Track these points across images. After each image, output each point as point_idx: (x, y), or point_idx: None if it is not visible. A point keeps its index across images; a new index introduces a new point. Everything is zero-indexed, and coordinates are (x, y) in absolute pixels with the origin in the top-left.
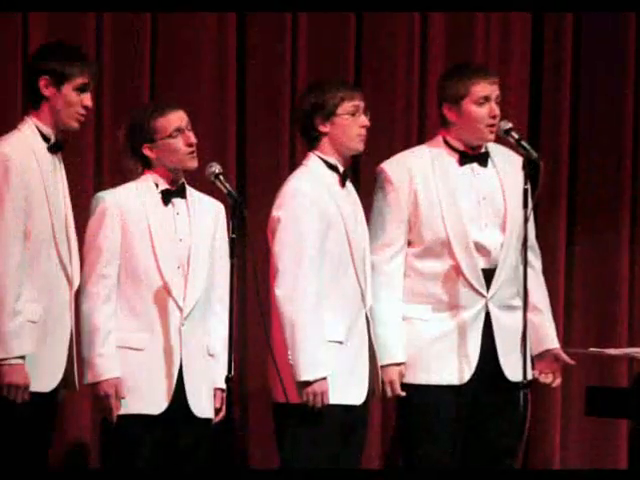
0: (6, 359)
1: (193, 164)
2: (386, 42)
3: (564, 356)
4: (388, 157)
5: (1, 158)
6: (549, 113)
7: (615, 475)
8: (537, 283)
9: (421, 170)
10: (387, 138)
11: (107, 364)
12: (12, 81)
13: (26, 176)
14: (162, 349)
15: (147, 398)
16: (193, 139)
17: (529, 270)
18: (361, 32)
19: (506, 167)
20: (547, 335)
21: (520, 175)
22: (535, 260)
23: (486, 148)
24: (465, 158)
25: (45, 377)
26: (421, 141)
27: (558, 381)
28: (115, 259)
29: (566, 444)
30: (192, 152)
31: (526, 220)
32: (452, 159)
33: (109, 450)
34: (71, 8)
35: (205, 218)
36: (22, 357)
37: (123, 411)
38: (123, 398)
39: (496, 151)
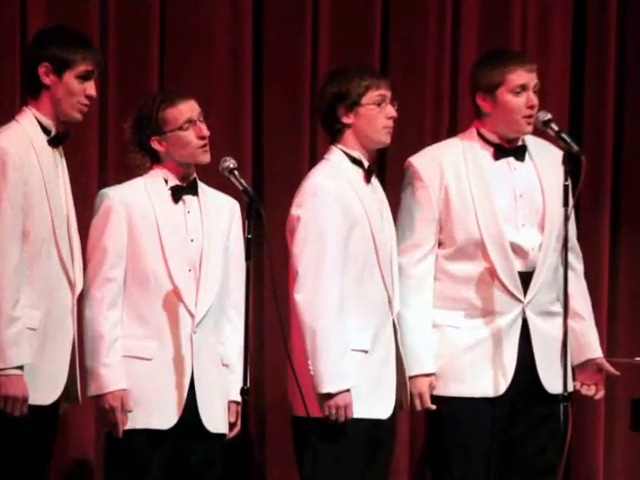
0: (3, 369)
1: (205, 158)
2: (415, 26)
3: (608, 366)
4: (417, 151)
5: None
6: (592, 103)
7: None
8: (578, 287)
9: (453, 165)
10: (416, 130)
11: (112, 375)
12: (9, 71)
13: (25, 171)
14: (172, 359)
15: (155, 412)
16: (205, 131)
17: (570, 273)
18: (388, 15)
19: (545, 162)
20: (589, 343)
21: (560, 170)
22: (576, 262)
23: (523, 141)
24: (500, 152)
25: (45, 389)
26: (452, 134)
27: (601, 393)
28: (121, 261)
29: (610, 461)
30: (204, 145)
31: (567, 219)
32: (486, 153)
33: (114, 468)
34: None
35: (219, 217)
36: (20, 367)
37: (129, 426)
38: (130, 411)
39: (534, 144)
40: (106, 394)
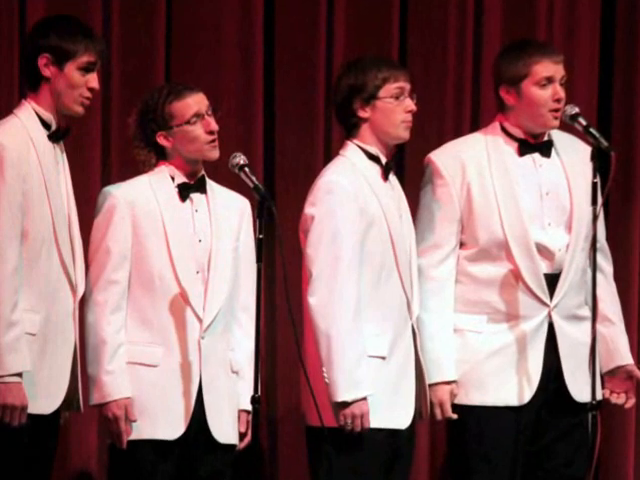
0: (1, 377)
1: (214, 154)
2: (435, 15)
3: (638, 373)
4: (437, 146)
5: None
6: (622, 95)
7: None
8: (608, 290)
9: (475, 161)
10: (436, 125)
11: (116, 382)
12: (7, 64)
13: (24, 168)
14: (179, 365)
15: (161, 421)
16: (214, 126)
17: (599, 275)
18: (406, 2)
19: (572, 158)
20: (619, 350)
21: (588, 167)
22: (605, 264)
23: (549, 136)
24: (525, 147)
25: (45, 397)
26: (475, 128)
27: (632, 402)
28: (125, 263)
29: None
30: (213, 141)
31: (595, 218)
32: (510, 148)
33: None
34: None
35: (228, 216)
36: (19, 374)
37: (134, 436)
38: (134, 421)
39: (561, 140)
40: (109, 403)
